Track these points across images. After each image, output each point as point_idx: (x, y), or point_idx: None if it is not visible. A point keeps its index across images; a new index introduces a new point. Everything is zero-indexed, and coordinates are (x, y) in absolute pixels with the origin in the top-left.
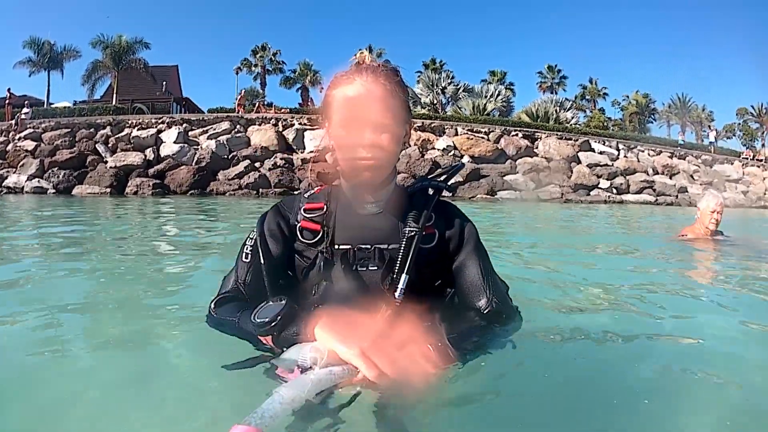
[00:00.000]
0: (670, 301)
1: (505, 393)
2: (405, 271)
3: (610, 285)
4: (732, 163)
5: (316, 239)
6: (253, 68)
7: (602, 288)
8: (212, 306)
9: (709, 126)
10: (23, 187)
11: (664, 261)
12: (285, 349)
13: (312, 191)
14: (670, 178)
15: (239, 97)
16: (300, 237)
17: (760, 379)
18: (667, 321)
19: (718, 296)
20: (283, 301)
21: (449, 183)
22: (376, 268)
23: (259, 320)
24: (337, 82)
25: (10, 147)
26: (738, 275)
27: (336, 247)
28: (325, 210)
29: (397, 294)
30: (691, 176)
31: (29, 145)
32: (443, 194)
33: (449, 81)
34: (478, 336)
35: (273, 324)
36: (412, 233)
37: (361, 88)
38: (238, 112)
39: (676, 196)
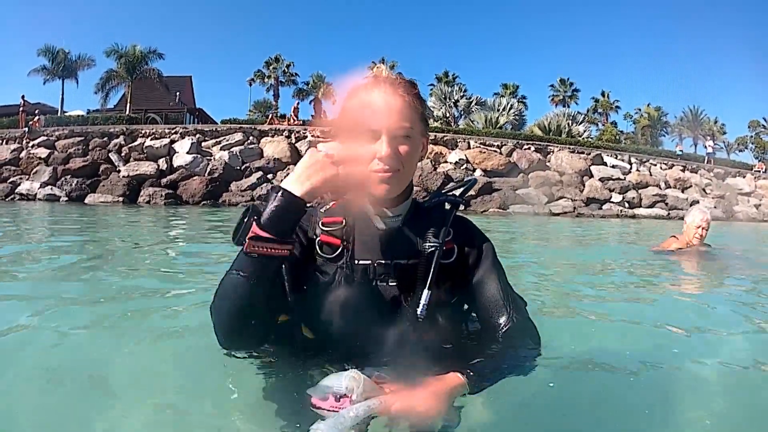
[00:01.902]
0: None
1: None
2: (427, 286)
3: (601, 300)
4: (744, 176)
5: (335, 254)
6: (266, 80)
7: (592, 302)
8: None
9: (707, 137)
10: (36, 194)
11: (652, 275)
12: (277, 228)
13: (328, 206)
14: (683, 191)
15: (293, 108)
16: (319, 251)
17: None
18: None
19: (698, 308)
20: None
21: (464, 197)
22: (395, 283)
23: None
24: (355, 93)
25: (23, 154)
26: (721, 285)
27: (356, 262)
28: (344, 224)
29: (419, 310)
30: (704, 190)
31: (42, 152)
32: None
33: (462, 94)
34: (498, 364)
35: (245, 217)
36: (433, 248)
37: (380, 100)
38: (289, 122)
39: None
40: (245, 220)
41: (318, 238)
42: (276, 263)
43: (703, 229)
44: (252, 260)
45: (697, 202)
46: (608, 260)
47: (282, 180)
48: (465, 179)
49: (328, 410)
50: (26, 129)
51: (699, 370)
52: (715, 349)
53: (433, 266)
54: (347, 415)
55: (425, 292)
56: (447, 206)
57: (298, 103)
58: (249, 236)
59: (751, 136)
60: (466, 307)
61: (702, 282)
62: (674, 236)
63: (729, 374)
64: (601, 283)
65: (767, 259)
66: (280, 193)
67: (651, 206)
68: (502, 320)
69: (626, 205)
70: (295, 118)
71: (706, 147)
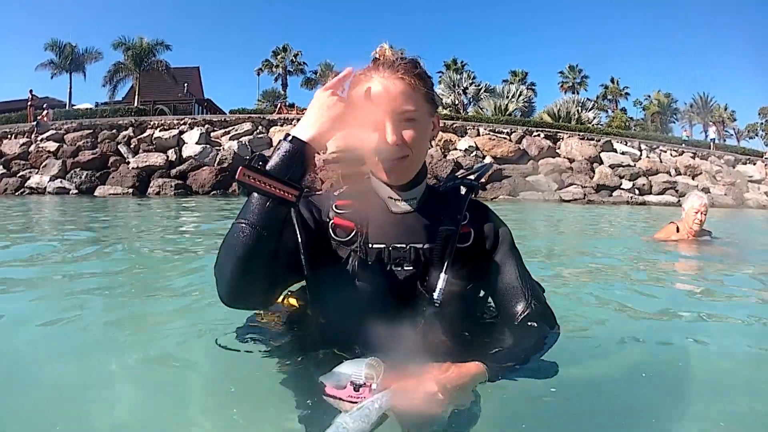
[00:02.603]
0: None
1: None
2: (444, 270)
3: (600, 293)
4: (755, 164)
5: (349, 237)
6: (274, 69)
7: (593, 295)
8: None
9: (712, 124)
10: (45, 187)
11: (651, 265)
12: (285, 169)
13: (341, 189)
14: (693, 178)
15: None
16: (333, 234)
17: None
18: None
19: (697, 300)
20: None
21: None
22: (411, 267)
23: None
24: (357, 82)
25: (32, 148)
26: (716, 276)
27: (370, 245)
28: (358, 208)
29: (436, 295)
30: (714, 177)
31: (51, 146)
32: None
33: (471, 81)
34: (518, 354)
35: (251, 160)
36: (449, 232)
37: (379, 86)
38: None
39: None
40: (250, 162)
41: (331, 221)
42: (281, 213)
43: (702, 213)
44: (256, 206)
45: (708, 189)
46: (609, 249)
47: None
48: (479, 165)
49: (346, 400)
50: (35, 123)
51: (701, 362)
52: (715, 340)
53: (449, 250)
54: (372, 407)
55: (442, 276)
56: (462, 190)
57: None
58: (252, 172)
59: (762, 123)
60: (482, 293)
61: (701, 272)
62: (673, 222)
63: (728, 365)
64: (601, 271)
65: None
66: (287, 139)
67: (661, 193)
68: (521, 307)
69: (636, 192)
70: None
71: (709, 134)
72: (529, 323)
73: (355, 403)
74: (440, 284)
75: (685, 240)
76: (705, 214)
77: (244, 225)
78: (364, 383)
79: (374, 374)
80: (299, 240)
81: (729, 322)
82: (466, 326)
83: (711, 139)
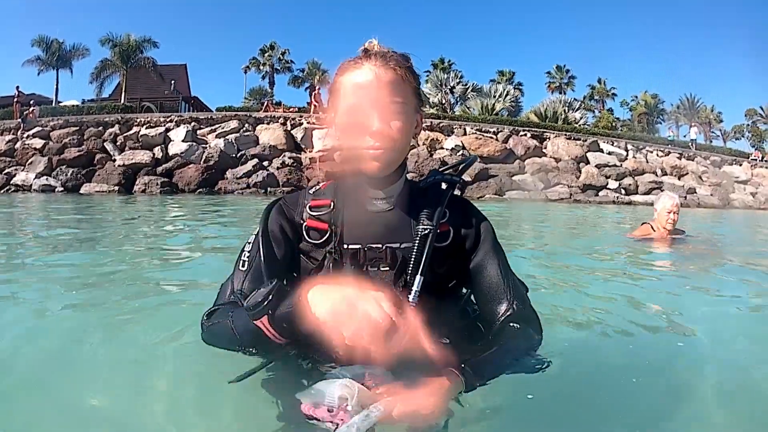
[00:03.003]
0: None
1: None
2: (420, 272)
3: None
4: (741, 165)
5: (323, 239)
6: (261, 67)
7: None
8: (204, 318)
9: (693, 124)
10: (31, 185)
11: (628, 262)
12: (283, 331)
13: (317, 187)
14: (679, 179)
15: (315, 95)
16: (306, 237)
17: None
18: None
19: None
20: (274, 281)
21: (462, 177)
22: (387, 268)
23: (251, 303)
24: (345, 68)
25: (18, 145)
26: (694, 272)
27: (345, 247)
28: (332, 207)
29: (411, 297)
30: (700, 177)
31: (37, 143)
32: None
33: (458, 81)
34: (497, 359)
35: (265, 302)
36: (426, 231)
37: (370, 73)
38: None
39: (685, 197)
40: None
41: (305, 223)
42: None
43: (674, 213)
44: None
45: (694, 190)
46: (585, 247)
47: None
48: (461, 159)
49: (320, 420)
50: (21, 120)
51: (679, 360)
52: (685, 334)
53: (426, 249)
54: (362, 425)
55: (417, 277)
56: (443, 186)
57: (319, 89)
58: (259, 325)
59: (748, 125)
60: (465, 290)
61: (673, 269)
62: (646, 223)
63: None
64: (576, 270)
65: (739, 244)
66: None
67: (647, 193)
68: (503, 308)
69: (622, 191)
70: (318, 103)
71: (690, 134)
72: (511, 324)
73: (332, 422)
74: (415, 286)
75: (663, 238)
76: (677, 214)
77: (232, 333)
78: (338, 406)
79: (347, 395)
80: (262, 262)
81: (709, 315)
82: (444, 328)
83: (691, 140)
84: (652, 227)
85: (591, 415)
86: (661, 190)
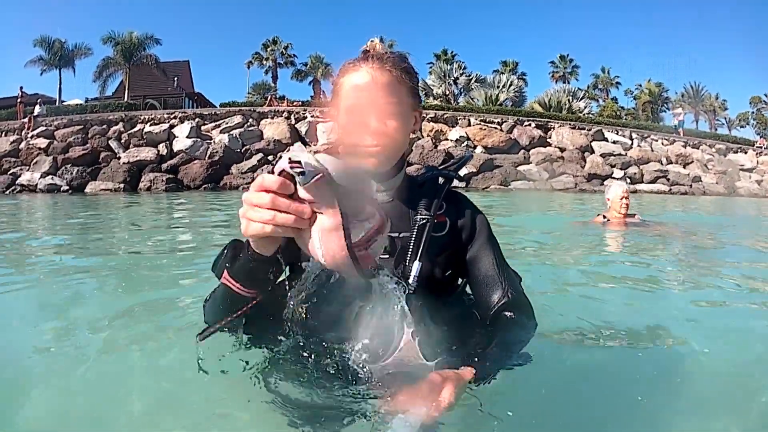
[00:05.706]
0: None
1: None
2: (417, 258)
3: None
4: (746, 152)
5: None
6: (264, 62)
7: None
8: (204, 301)
9: (675, 110)
10: (36, 184)
11: (593, 246)
12: (245, 281)
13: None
14: (684, 167)
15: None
16: None
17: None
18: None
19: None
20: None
21: (459, 173)
22: (387, 256)
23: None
24: (345, 70)
25: (23, 145)
26: (644, 253)
27: None
28: None
29: (410, 281)
30: (705, 165)
31: (42, 142)
32: (454, 185)
33: (461, 72)
34: (499, 351)
35: (222, 256)
36: (424, 221)
37: (367, 75)
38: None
39: (690, 186)
40: (222, 257)
41: None
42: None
43: (625, 198)
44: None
45: (699, 178)
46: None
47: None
48: (459, 156)
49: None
50: (28, 119)
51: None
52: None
53: (423, 238)
54: None
55: (416, 263)
56: (440, 180)
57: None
58: (227, 282)
59: (753, 112)
60: (461, 281)
61: (635, 249)
62: (600, 215)
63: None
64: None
65: (699, 227)
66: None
67: (653, 182)
68: (497, 296)
69: (628, 180)
70: (323, 96)
71: (673, 119)
72: (505, 313)
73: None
74: (414, 271)
75: (620, 222)
76: (628, 199)
77: (216, 303)
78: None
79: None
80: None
81: (676, 292)
82: (442, 314)
83: (673, 125)
84: (605, 216)
85: (591, 415)
86: (667, 179)
